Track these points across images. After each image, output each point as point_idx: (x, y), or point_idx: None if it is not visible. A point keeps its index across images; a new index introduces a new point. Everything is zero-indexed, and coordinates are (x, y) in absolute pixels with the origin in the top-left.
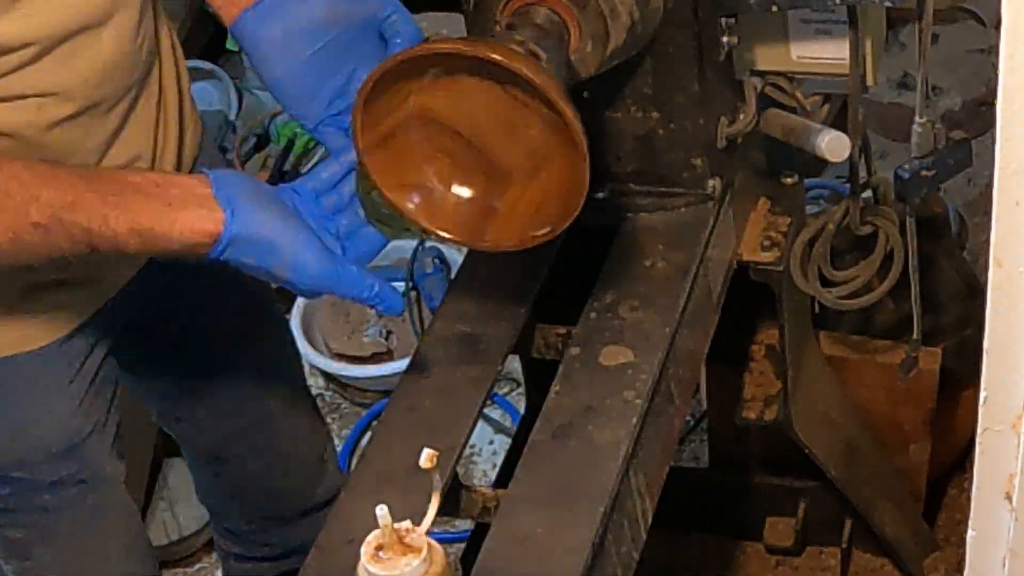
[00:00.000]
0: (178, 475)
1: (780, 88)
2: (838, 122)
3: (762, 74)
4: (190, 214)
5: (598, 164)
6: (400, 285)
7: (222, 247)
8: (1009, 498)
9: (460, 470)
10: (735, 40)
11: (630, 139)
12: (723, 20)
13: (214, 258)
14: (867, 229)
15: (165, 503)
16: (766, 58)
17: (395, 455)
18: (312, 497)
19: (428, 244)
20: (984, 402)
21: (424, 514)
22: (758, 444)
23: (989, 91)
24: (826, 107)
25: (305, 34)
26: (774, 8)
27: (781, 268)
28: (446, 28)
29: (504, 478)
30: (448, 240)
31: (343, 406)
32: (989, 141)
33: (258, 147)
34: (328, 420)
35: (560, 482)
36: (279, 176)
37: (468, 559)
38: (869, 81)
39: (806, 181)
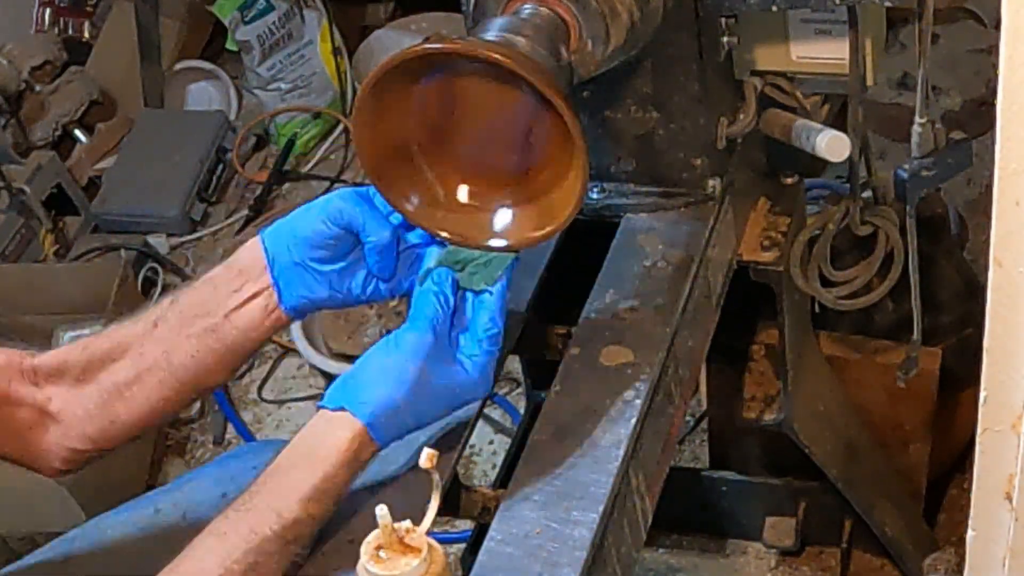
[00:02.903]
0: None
1: (780, 88)
2: (838, 122)
3: (762, 74)
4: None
5: (598, 164)
6: None
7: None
8: (1009, 498)
9: (460, 470)
10: (735, 40)
11: (630, 139)
12: (723, 20)
13: (383, 442)
14: (867, 229)
15: None
16: (766, 58)
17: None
18: None
19: None
20: (984, 402)
21: (424, 514)
22: (758, 444)
23: (989, 91)
24: (826, 107)
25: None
26: (774, 8)
27: (781, 268)
28: (446, 28)
29: (504, 478)
30: (448, 240)
31: None
32: (989, 141)
33: (258, 147)
34: None
35: (560, 482)
36: (279, 176)
37: (468, 559)
38: (869, 81)
39: (806, 181)
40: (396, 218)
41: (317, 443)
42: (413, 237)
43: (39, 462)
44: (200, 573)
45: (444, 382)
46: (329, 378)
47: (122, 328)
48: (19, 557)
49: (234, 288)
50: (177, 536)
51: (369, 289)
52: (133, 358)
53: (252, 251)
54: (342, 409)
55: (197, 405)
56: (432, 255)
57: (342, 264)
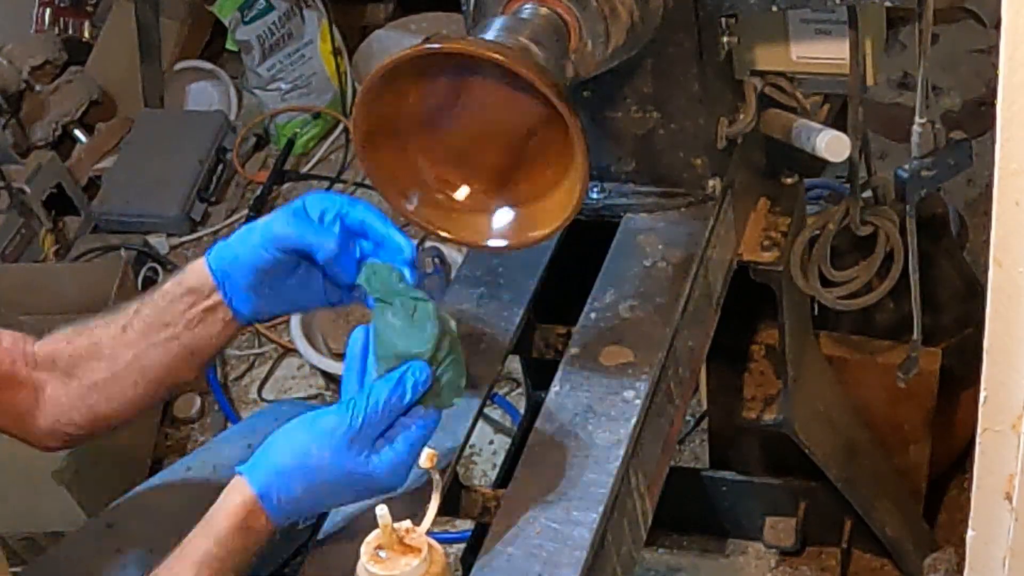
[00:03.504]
0: None
1: (780, 88)
2: (838, 122)
3: (762, 74)
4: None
5: (598, 164)
6: None
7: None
8: (1009, 498)
9: (460, 470)
10: (735, 40)
11: (630, 139)
12: (723, 20)
13: (275, 516)
14: (867, 229)
15: None
16: (766, 58)
17: None
18: None
19: (428, 244)
20: (984, 402)
21: (424, 514)
22: (758, 444)
23: (989, 91)
24: (826, 107)
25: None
26: (774, 8)
27: (781, 268)
28: (446, 28)
29: (504, 478)
30: (448, 240)
31: None
32: (989, 141)
33: (258, 147)
34: None
35: (560, 482)
36: (279, 176)
37: (468, 559)
38: (869, 81)
39: (806, 181)
40: (337, 226)
41: (217, 506)
42: (367, 244)
43: (36, 440)
44: None
45: (351, 471)
46: (329, 378)
47: (98, 328)
48: (20, 557)
49: (188, 304)
50: (208, 488)
51: (333, 297)
52: (107, 360)
53: (199, 273)
54: (241, 474)
55: (197, 405)
56: (363, 270)
57: (295, 279)
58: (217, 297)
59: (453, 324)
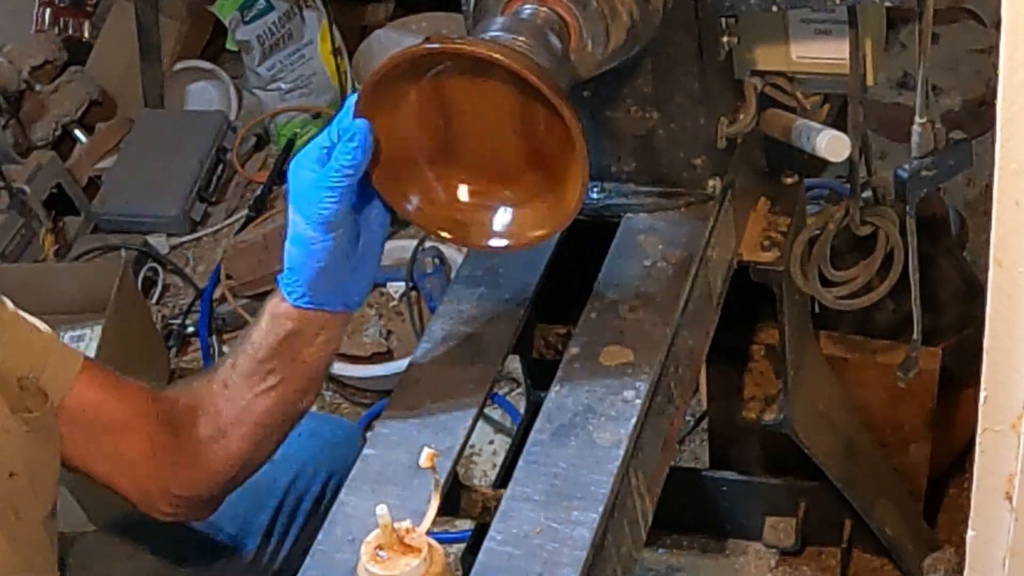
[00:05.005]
0: None
1: (780, 88)
2: (838, 122)
3: (762, 74)
4: None
5: (598, 164)
6: (400, 285)
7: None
8: (1009, 498)
9: (460, 470)
10: (735, 40)
11: (630, 139)
12: (723, 20)
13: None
14: (867, 229)
15: None
16: (766, 58)
17: (395, 455)
18: None
19: (428, 244)
20: (984, 402)
21: (424, 514)
22: (758, 444)
23: (989, 91)
24: (826, 107)
25: None
26: (774, 8)
27: (781, 268)
28: (446, 28)
29: (504, 478)
30: (448, 240)
31: (343, 406)
32: (989, 141)
33: (258, 147)
34: None
35: (560, 482)
36: (279, 176)
37: (468, 559)
38: (869, 81)
39: (806, 181)
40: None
41: None
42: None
43: (146, 500)
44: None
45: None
46: (329, 378)
47: (202, 384)
48: None
49: (296, 347)
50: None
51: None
52: (211, 416)
53: (291, 315)
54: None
55: None
56: None
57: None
58: (321, 319)
59: None
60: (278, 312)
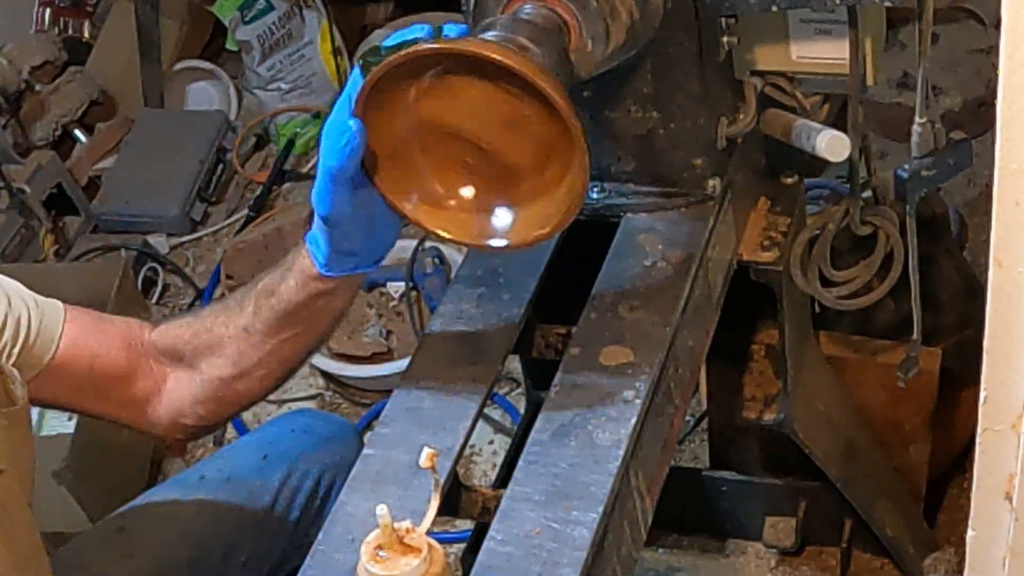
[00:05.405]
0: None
1: (780, 88)
2: (838, 122)
3: (762, 74)
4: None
5: (598, 164)
6: (400, 285)
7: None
8: (1009, 498)
9: (460, 470)
10: (735, 40)
11: (630, 139)
12: (723, 20)
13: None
14: (867, 229)
15: None
16: (766, 58)
17: (395, 455)
18: None
19: (428, 244)
20: (984, 402)
21: (424, 514)
22: (758, 444)
23: (989, 91)
24: (826, 107)
25: None
26: (774, 8)
27: (781, 268)
28: None
29: (504, 478)
30: (448, 240)
31: (343, 406)
32: (989, 141)
33: (258, 147)
34: None
35: (560, 482)
36: (279, 176)
37: (468, 559)
38: (869, 81)
39: (806, 181)
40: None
41: None
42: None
43: (157, 430)
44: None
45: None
46: (328, 378)
47: (216, 326)
48: None
49: (322, 303)
50: (222, 496)
51: None
52: (232, 357)
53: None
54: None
55: None
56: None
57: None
58: (350, 279)
59: None
60: (310, 274)
